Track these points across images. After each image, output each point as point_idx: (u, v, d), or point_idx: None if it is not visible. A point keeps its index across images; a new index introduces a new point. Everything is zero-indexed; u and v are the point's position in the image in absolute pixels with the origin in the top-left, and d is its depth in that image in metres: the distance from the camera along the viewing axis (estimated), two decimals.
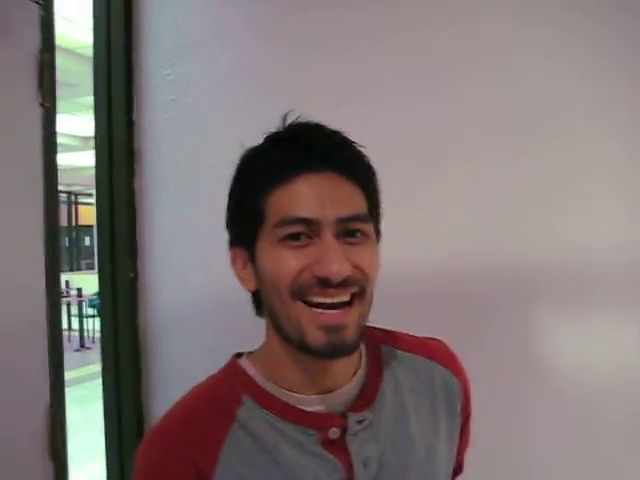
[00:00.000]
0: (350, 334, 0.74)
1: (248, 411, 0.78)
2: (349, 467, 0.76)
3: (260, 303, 0.83)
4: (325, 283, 0.71)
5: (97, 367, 3.66)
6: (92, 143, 1.79)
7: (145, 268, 1.78)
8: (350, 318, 0.74)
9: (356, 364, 0.83)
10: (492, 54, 1.46)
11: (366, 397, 0.81)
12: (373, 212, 0.78)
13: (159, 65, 1.73)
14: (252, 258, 0.78)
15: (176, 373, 1.77)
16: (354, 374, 0.82)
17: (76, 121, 10.03)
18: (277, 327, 0.78)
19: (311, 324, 0.73)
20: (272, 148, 0.79)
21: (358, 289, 0.74)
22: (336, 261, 0.71)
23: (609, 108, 1.39)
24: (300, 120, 0.80)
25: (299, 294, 0.73)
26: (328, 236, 0.72)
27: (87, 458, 2.08)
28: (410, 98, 1.51)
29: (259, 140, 0.83)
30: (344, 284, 0.72)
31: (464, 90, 1.47)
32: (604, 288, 1.40)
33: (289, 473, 0.75)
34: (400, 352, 0.88)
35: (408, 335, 0.92)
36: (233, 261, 0.82)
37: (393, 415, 0.82)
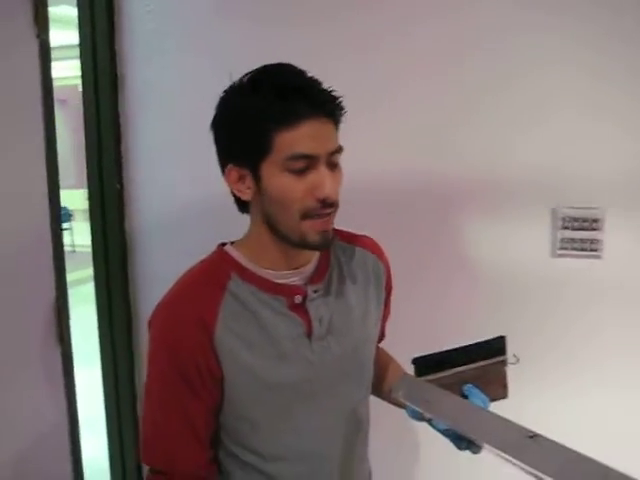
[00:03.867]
0: (331, 233, 1.04)
1: (235, 284, 1.04)
2: (309, 323, 1.05)
3: (245, 205, 1.08)
4: (324, 203, 0.97)
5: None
6: (65, 52, 1.95)
7: (130, 181, 2.04)
8: (331, 225, 1.03)
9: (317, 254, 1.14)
10: None
11: (319, 274, 1.11)
12: None
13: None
14: (255, 177, 0.99)
15: (160, 273, 2.06)
16: (312, 258, 1.12)
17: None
18: (272, 228, 1.02)
19: (312, 231, 0.99)
20: (278, 94, 0.95)
21: (335, 208, 1.03)
22: (331, 186, 0.97)
23: None
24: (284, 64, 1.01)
25: (306, 215, 0.98)
26: (323, 167, 0.97)
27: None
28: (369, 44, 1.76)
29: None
30: (334, 204, 1.01)
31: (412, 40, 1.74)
32: (516, 200, 1.73)
33: (266, 328, 1.03)
34: (342, 243, 1.19)
35: (348, 232, 1.22)
36: (227, 175, 1.03)
37: (338, 288, 1.12)
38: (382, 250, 1.24)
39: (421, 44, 1.75)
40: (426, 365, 1.05)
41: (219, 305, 1.02)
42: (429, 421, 1.12)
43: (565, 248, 1.71)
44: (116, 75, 1.99)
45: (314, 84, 0.99)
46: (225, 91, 1.05)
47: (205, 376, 1.01)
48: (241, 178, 1.03)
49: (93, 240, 2.07)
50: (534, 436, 0.77)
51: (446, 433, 1.07)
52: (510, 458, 0.78)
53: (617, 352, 1.70)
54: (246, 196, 1.04)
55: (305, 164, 0.96)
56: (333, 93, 1.00)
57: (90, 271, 2.12)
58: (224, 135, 1.04)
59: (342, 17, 1.78)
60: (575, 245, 1.70)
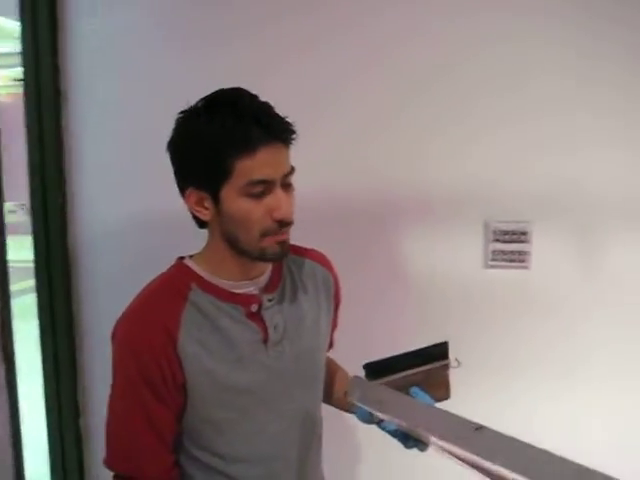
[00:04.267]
0: (288, 244, 1.11)
1: (195, 294, 1.09)
2: (264, 330, 1.12)
3: (203, 222, 1.13)
4: (281, 223, 1.05)
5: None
6: None
7: (73, 195, 2.04)
8: (288, 237, 1.10)
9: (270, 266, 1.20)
10: None
11: (273, 284, 1.18)
12: None
13: (84, 15, 1.95)
14: (215, 200, 1.05)
15: (104, 287, 2.07)
16: (266, 269, 1.18)
17: None
18: (232, 244, 1.09)
19: (271, 245, 1.07)
20: (235, 121, 1.01)
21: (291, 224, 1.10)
22: (286, 207, 1.04)
23: None
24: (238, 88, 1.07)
25: (265, 234, 1.05)
26: (279, 190, 1.04)
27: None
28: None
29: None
30: (290, 222, 1.08)
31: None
32: (450, 215, 1.84)
33: (225, 335, 1.09)
34: (293, 256, 1.26)
35: (298, 245, 1.29)
36: (187, 198, 1.09)
37: (291, 296, 1.19)
38: (331, 263, 1.32)
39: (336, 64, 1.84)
40: (377, 369, 1.12)
41: (181, 314, 1.07)
42: (378, 424, 1.20)
43: (496, 259, 1.83)
44: (59, 90, 2.00)
45: (268, 111, 1.05)
46: (182, 114, 1.09)
47: (169, 382, 1.05)
48: (200, 200, 1.08)
49: (36, 254, 2.05)
50: (480, 428, 0.85)
51: (394, 434, 1.15)
52: (458, 450, 0.85)
53: (545, 357, 1.83)
54: (205, 217, 1.10)
55: (263, 188, 1.03)
56: (286, 119, 1.06)
57: (19, 285, 2.10)
58: (182, 159, 1.09)
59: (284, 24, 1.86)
60: (505, 257, 1.83)
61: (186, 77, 1.88)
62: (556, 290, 1.80)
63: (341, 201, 1.87)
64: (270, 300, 1.15)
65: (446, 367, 1.19)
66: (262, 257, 1.09)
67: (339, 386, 1.35)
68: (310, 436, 1.22)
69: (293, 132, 1.07)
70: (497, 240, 1.83)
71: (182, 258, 1.18)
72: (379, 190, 1.87)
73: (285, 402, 1.16)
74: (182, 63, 1.91)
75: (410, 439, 1.13)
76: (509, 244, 1.82)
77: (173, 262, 1.19)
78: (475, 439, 0.84)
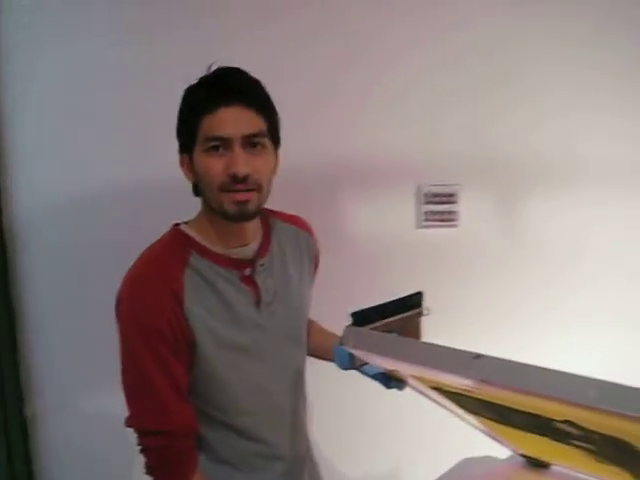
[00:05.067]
0: (250, 207, 1.13)
1: (195, 259, 1.16)
2: (257, 293, 1.20)
3: (196, 188, 1.20)
4: (235, 178, 1.09)
5: None
6: None
7: (7, 181, 1.98)
8: (250, 198, 1.12)
9: (258, 229, 1.27)
10: None
11: (263, 249, 1.26)
12: (271, 130, 1.15)
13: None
14: (191, 161, 1.15)
15: (43, 272, 2.04)
16: (256, 235, 1.26)
17: None
18: (208, 204, 1.16)
19: (228, 202, 1.11)
20: (203, 87, 1.12)
21: (256, 185, 1.15)
22: (241, 164, 1.09)
23: None
24: (222, 65, 1.14)
25: (222, 189, 1.12)
26: (237, 148, 1.09)
27: None
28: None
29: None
30: (246, 179, 1.10)
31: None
32: (387, 180, 1.98)
33: (223, 297, 1.16)
34: (280, 222, 1.34)
35: (283, 212, 1.38)
36: (181, 163, 1.18)
37: (279, 261, 1.28)
38: (311, 228, 1.42)
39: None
40: (362, 317, 1.23)
41: (183, 278, 1.14)
42: (359, 368, 1.33)
43: (428, 220, 2.00)
44: None
45: (241, 78, 1.13)
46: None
47: (180, 340, 1.12)
48: (186, 164, 1.17)
49: None
50: (478, 356, 0.98)
51: (375, 377, 1.29)
52: (460, 379, 0.99)
53: (475, 309, 2.03)
54: (190, 179, 1.18)
55: (220, 145, 1.10)
56: (253, 83, 1.14)
57: None
58: (177, 127, 1.18)
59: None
60: (436, 217, 2.00)
61: (115, 51, 1.88)
62: (482, 245, 2.00)
63: (288, 171, 1.95)
64: (262, 265, 1.23)
65: (420, 315, 1.33)
66: (224, 215, 1.14)
67: (315, 337, 1.46)
68: (299, 387, 1.33)
69: (263, 98, 1.14)
70: (429, 202, 2.00)
71: (177, 224, 1.24)
72: (323, 160, 1.97)
73: (277, 357, 1.26)
74: (110, 38, 1.90)
75: (391, 380, 1.28)
76: (439, 205, 1.99)
77: (169, 228, 1.24)
78: (476, 365, 0.98)
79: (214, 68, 1.16)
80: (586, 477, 1.49)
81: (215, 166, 1.10)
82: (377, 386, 2.06)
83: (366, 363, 1.32)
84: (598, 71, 1.97)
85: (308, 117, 1.96)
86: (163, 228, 1.22)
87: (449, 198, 1.98)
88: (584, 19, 1.95)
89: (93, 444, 2.00)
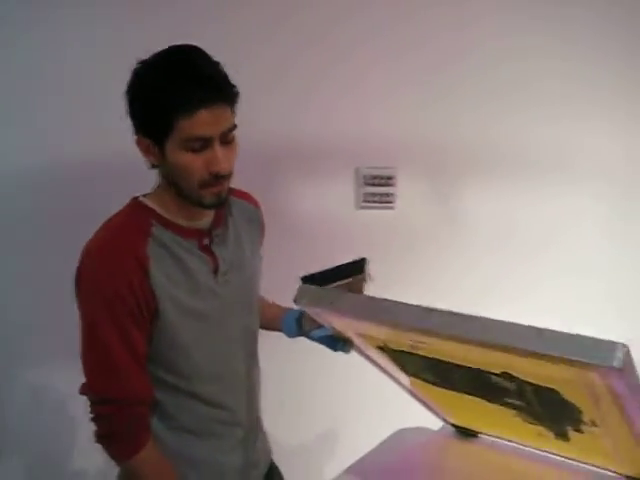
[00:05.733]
0: (224, 195, 1.17)
1: (157, 229, 1.16)
2: (215, 262, 1.22)
3: (154, 165, 1.19)
4: (217, 175, 1.12)
5: None
6: None
7: None
8: (225, 187, 1.18)
9: None
10: None
11: (218, 221, 1.28)
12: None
13: None
14: (161, 150, 1.12)
15: None
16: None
17: None
18: (177, 189, 1.16)
19: (208, 196, 1.14)
20: (179, 81, 1.07)
21: (230, 175, 1.18)
22: (223, 162, 1.11)
23: None
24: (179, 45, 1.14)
25: (203, 185, 1.12)
26: (217, 145, 1.10)
27: None
28: None
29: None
30: (226, 174, 1.14)
31: None
32: (326, 163, 2.04)
33: (184, 266, 1.18)
34: (232, 197, 1.35)
35: (233, 187, 1.34)
36: (137, 143, 1.15)
37: (233, 232, 1.31)
38: (258, 202, 1.45)
39: None
40: (311, 280, 1.29)
41: (147, 248, 1.15)
42: (307, 334, 1.38)
43: (367, 201, 2.07)
44: None
45: (213, 72, 1.13)
46: (140, 64, 1.14)
47: (144, 309, 1.13)
48: (148, 147, 1.16)
49: None
50: (433, 310, 1.05)
51: (322, 340, 1.34)
52: (415, 335, 1.05)
53: (412, 287, 2.09)
54: (153, 162, 1.18)
55: (201, 144, 1.10)
56: (229, 80, 1.14)
57: None
58: (132, 108, 1.15)
59: None
60: (375, 199, 2.07)
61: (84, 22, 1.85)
62: (418, 226, 2.09)
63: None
64: (217, 235, 1.26)
65: (363, 280, 1.39)
66: (200, 205, 1.18)
67: (261, 309, 1.49)
68: (254, 353, 1.37)
69: (235, 93, 1.16)
70: (367, 184, 2.06)
71: (136, 197, 1.24)
72: (265, 143, 1.99)
73: (233, 324, 1.29)
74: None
75: (338, 343, 1.33)
76: (377, 187, 2.06)
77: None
78: (428, 317, 1.04)
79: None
80: (511, 444, 1.60)
81: (195, 163, 1.11)
82: (316, 356, 2.12)
83: (313, 328, 1.37)
84: (532, 54, 2.08)
85: (251, 99, 1.98)
86: (127, 199, 1.23)
87: (387, 181, 2.05)
88: None
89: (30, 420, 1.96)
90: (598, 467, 1.47)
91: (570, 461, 1.50)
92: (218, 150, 1.12)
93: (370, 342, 1.30)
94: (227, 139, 1.14)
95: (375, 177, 2.05)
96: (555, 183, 2.13)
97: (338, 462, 1.60)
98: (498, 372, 1.13)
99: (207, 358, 1.23)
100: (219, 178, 1.13)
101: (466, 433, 1.69)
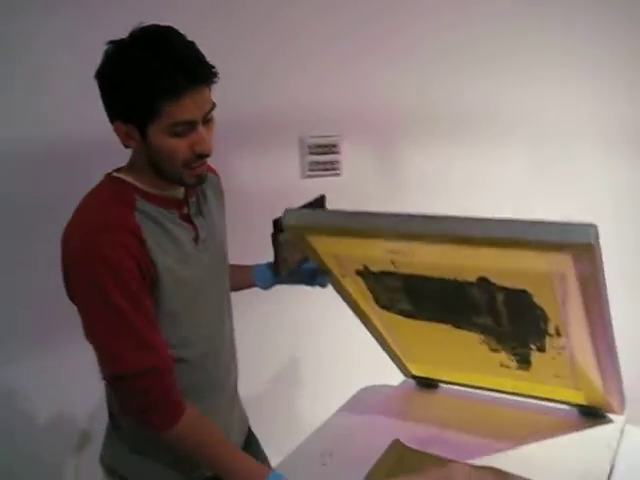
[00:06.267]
0: (204, 174, 1.20)
1: (141, 202, 1.17)
2: (195, 230, 1.24)
3: (127, 145, 1.18)
4: (201, 156, 1.15)
5: None
6: None
7: None
8: (206, 166, 1.21)
9: None
10: None
11: (191, 190, 1.28)
12: None
13: None
14: (142, 134, 1.12)
15: None
16: None
17: None
18: (157, 170, 1.17)
19: (190, 176, 1.17)
20: (162, 65, 1.07)
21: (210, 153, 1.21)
22: (207, 143, 1.14)
23: None
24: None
25: (186, 165, 1.14)
26: (200, 127, 1.12)
27: None
28: None
29: None
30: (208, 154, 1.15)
31: None
32: (270, 133, 2.07)
33: (173, 236, 1.19)
34: None
35: None
36: (116, 129, 1.14)
37: (203, 202, 1.33)
38: (217, 172, 1.47)
39: None
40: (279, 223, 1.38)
41: (136, 220, 1.15)
42: (281, 279, 1.46)
43: (313, 170, 2.11)
44: None
45: (194, 54, 1.13)
46: (111, 44, 1.12)
47: (147, 277, 1.14)
48: (128, 132, 1.15)
49: None
50: (412, 215, 1.10)
51: (299, 277, 1.44)
52: (408, 243, 1.10)
53: None
54: (132, 145, 1.17)
55: (186, 128, 1.11)
56: (210, 63, 1.15)
57: None
58: (110, 92, 1.14)
59: None
60: (320, 167, 2.11)
61: None
62: (364, 192, 2.14)
63: None
64: (193, 204, 1.28)
65: None
66: (181, 183, 1.20)
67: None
68: (229, 313, 1.39)
69: (215, 74, 1.16)
70: (312, 153, 2.10)
71: (109, 174, 1.24)
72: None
73: (213, 289, 1.32)
74: None
75: (316, 278, 1.41)
76: (322, 156, 2.11)
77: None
78: (412, 220, 1.09)
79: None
80: (470, 390, 1.67)
81: (180, 146, 1.12)
82: (277, 320, 2.14)
83: (290, 268, 1.42)
84: (471, 20, 2.19)
85: None
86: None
87: (331, 149, 2.09)
88: None
89: None
90: (552, 401, 1.56)
91: (524, 399, 1.58)
92: (202, 131, 1.13)
93: (350, 266, 1.34)
94: (208, 119, 1.15)
95: (319, 146, 2.09)
96: (487, 139, 2.24)
97: (307, 424, 1.63)
98: (474, 280, 1.19)
99: (194, 324, 1.25)
100: (202, 157, 1.16)
101: (427, 384, 1.75)
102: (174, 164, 1.14)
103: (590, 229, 0.99)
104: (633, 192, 2.44)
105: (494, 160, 2.25)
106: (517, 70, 2.23)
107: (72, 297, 1.16)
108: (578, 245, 1.00)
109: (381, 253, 1.22)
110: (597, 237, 0.99)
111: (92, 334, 1.13)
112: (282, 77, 2.04)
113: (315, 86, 2.06)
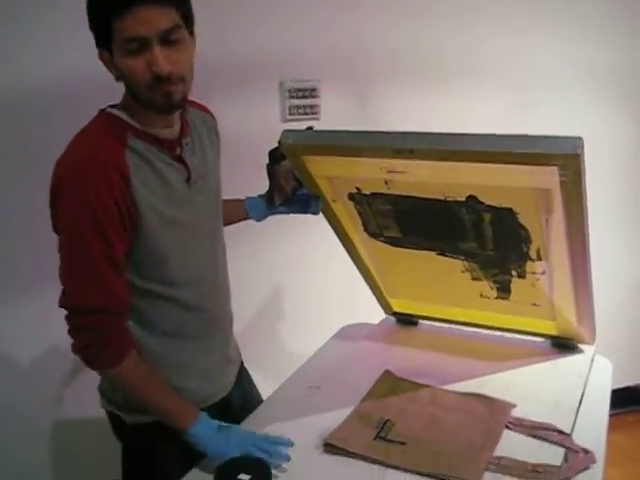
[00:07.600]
0: (176, 98, 1.16)
1: (133, 141, 1.17)
2: (187, 170, 1.24)
3: (118, 77, 1.18)
4: (158, 77, 1.11)
5: None
6: None
7: None
8: (176, 89, 1.14)
9: (178, 114, 1.29)
10: None
11: (184, 130, 1.29)
12: (186, 21, 1.15)
13: None
14: (112, 58, 1.13)
15: None
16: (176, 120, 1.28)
17: None
18: (133, 96, 1.17)
19: (156, 96, 1.13)
20: None
21: (180, 79, 1.16)
22: (161, 62, 1.10)
23: None
24: None
25: (149, 87, 1.12)
26: (156, 46, 1.09)
27: None
28: None
29: None
30: (170, 76, 1.12)
31: None
32: (250, 77, 2.07)
33: (162, 176, 1.20)
34: (191, 108, 1.37)
35: (190, 99, 1.33)
36: (100, 55, 1.15)
37: (197, 142, 1.33)
38: (211, 111, 1.46)
39: None
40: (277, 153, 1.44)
41: (125, 157, 1.15)
42: (275, 209, 1.50)
43: (293, 114, 2.13)
44: None
45: None
46: None
47: (125, 219, 1.14)
48: (106, 59, 1.16)
49: None
50: (406, 132, 1.14)
51: (290, 209, 1.48)
52: (392, 154, 1.14)
53: None
54: (114, 74, 1.17)
55: (138, 45, 1.09)
56: None
57: None
58: (88, 21, 1.15)
59: None
60: (300, 111, 2.13)
61: None
62: None
63: None
64: (187, 144, 1.28)
65: None
66: (153, 108, 1.17)
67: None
68: (223, 252, 1.41)
69: None
70: (292, 97, 2.11)
71: (103, 110, 1.23)
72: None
73: (204, 229, 1.33)
74: None
75: (309, 206, 1.46)
76: (302, 100, 2.12)
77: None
78: (407, 137, 1.13)
79: None
80: (448, 326, 1.73)
81: (137, 66, 1.11)
82: (259, 262, 2.16)
83: (283, 200, 1.47)
84: None
85: None
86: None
87: (311, 92, 2.11)
88: None
89: None
90: (527, 333, 1.63)
91: (501, 333, 1.66)
92: (156, 50, 1.10)
93: (343, 189, 1.37)
94: (169, 39, 1.12)
95: (299, 90, 2.10)
96: (470, 83, 2.27)
97: (295, 361, 1.68)
98: (463, 198, 1.23)
99: (184, 263, 1.27)
100: (162, 80, 1.12)
101: (407, 321, 1.81)
102: (138, 87, 1.14)
103: (577, 141, 1.04)
104: (615, 135, 2.52)
105: (478, 104, 2.29)
106: (503, 17, 2.27)
107: (55, 229, 1.18)
108: (565, 155, 1.04)
109: (375, 172, 1.25)
110: (583, 148, 1.04)
111: (60, 263, 1.16)
112: (263, 21, 2.03)
113: (296, 30, 2.06)
